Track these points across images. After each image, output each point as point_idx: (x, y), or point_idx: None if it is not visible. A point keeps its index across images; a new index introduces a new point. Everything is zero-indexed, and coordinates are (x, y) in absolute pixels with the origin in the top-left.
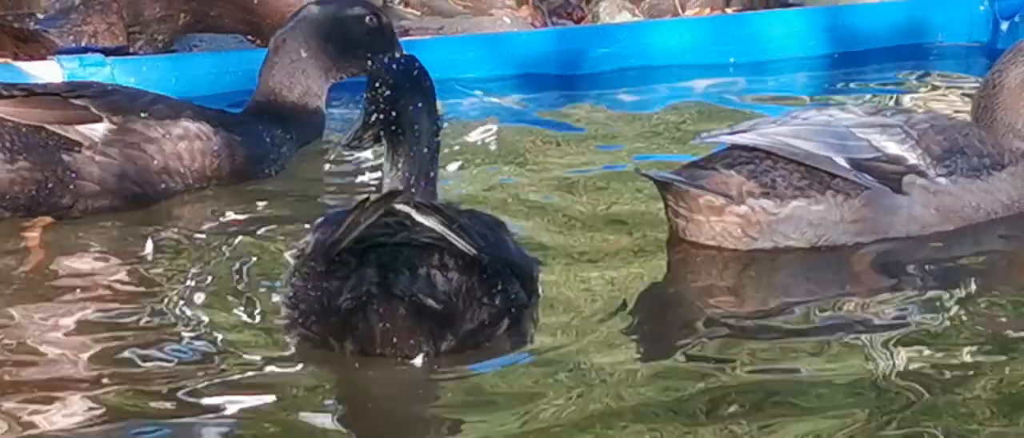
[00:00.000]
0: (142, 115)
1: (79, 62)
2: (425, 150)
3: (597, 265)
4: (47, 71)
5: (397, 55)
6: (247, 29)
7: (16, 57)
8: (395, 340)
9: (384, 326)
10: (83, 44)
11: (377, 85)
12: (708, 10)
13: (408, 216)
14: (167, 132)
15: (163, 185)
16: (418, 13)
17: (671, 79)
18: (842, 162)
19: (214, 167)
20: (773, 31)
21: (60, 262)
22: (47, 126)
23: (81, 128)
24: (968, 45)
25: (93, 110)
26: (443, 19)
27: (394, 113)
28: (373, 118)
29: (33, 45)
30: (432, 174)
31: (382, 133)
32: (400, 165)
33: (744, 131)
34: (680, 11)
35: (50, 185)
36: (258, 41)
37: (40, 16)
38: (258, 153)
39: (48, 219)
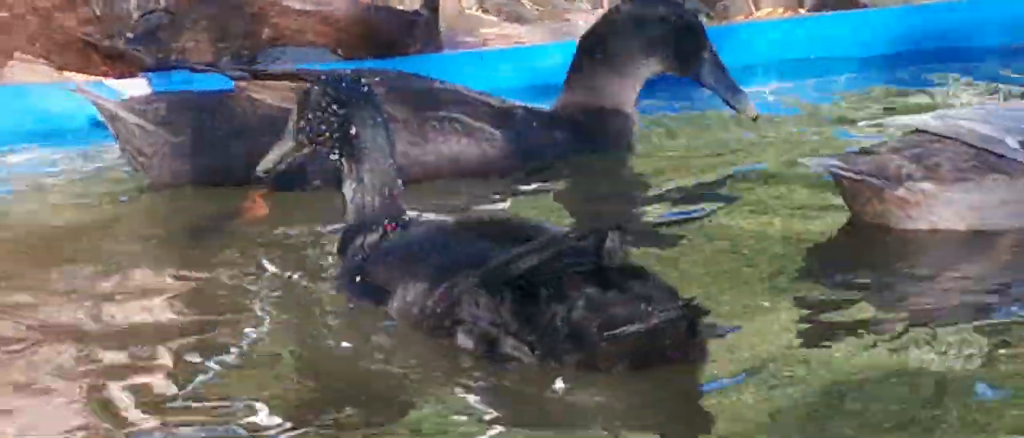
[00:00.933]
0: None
1: (168, 79)
2: (388, 161)
3: (770, 231)
4: (136, 88)
5: (342, 74)
6: (329, 42)
7: (106, 75)
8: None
9: (674, 343)
10: (172, 60)
11: (325, 105)
12: (780, 10)
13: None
14: (435, 127)
15: (418, 175)
16: (496, 19)
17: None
18: (1012, 143)
19: (473, 162)
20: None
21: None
22: None
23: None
24: None
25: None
26: (521, 26)
27: (352, 130)
28: (323, 138)
29: (122, 63)
30: (398, 183)
31: (338, 151)
32: (365, 179)
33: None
34: (753, 11)
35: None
36: (340, 53)
37: (129, 35)
38: (517, 151)
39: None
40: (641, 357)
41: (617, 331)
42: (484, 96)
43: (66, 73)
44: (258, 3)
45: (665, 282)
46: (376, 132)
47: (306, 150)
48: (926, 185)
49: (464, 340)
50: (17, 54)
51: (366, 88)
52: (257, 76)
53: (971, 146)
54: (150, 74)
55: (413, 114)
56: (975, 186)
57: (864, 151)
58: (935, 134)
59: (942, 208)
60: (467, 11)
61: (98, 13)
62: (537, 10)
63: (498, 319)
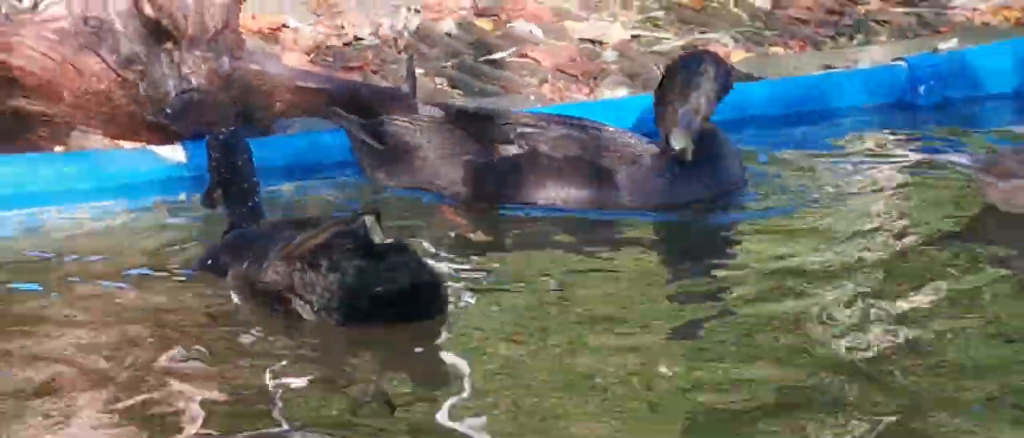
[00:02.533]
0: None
1: (197, 147)
2: (247, 184)
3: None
4: (173, 154)
5: (225, 129)
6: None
7: (149, 142)
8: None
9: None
10: (201, 130)
11: (215, 152)
12: None
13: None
14: (564, 168)
15: (537, 201)
16: (463, 93)
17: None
18: None
19: (606, 200)
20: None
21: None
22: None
23: (499, 147)
24: (890, 104)
25: (512, 135)
26: (485, 99)
27: (229, 168)
28: (217, 176)
29: (162, 133)
30: (256, 197)
31: (220, 183)
32: (235, 202)
33: None
34: None
35: (477, 183)
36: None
37: (168, 110)
38: (642, 191)
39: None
40: (397, 312)
41: (377, 290)
42: (630, 139)
43: (117, 141)
44: (272, 83)
45: (418, 254)
46: (238, 167)
47: (220, 186)
48: (1021, 181)
49: (265, 301)
50: (79, 126)
51: (227, 136)
52: (461, 114)
53: None
54: (185, 142)
55: (567, 157)
56: None
57: (991, 151)
58: None
59: None
60: (438, 87)
61: (144, 94)
62: (497, 86)
63: (289, 284)
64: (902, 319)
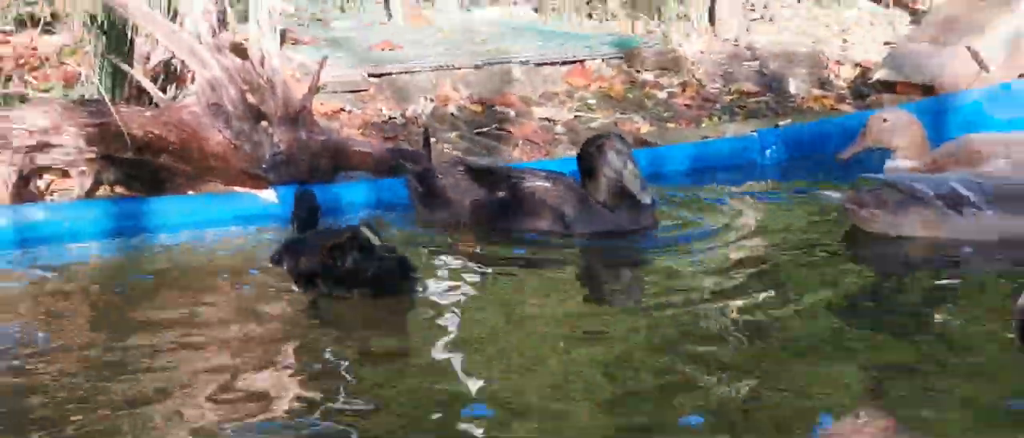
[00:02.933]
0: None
1: (284, 190)
2: (314, 218)
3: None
4: (268, 195)
5: (304, 187)
6: (371, 169)
7: (250, 189)
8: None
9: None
10: (285, 179)
11: (300, 202)
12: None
13: (367, 237)
14: (520, 185)
15: (527, 226)
16: (463, 155)
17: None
18: (931, 194)
19: (557, 230)
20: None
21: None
22: (481, 183)
23: (495, 191)
24: (746, 163)
25: (504, 183)
26: (483, 159)
27: (304, 210)
28: (296, 213)
29: (258, 181)
30: (318, 215)
31: (296, 217)
32: (303, 224)
33: (886, 176)
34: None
35: (487, 210)
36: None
37: (264, 167)
38: (585, 223)
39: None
40: (375, 287)
41: (368, 273)
42: (580, 189)
43: (229, 187)
44: (336, 145)
45: (400, 252)
46: (308, 210)
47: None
48: (877, 210)
49: (298, 281)
50: (205, 177)
51: (303, 192)
52: (471, 168)
53: (904, 192)
54: (275, 187)
55: (539, 198)
56: (904, 213)
57: (856, 189)
58: (890, 185)
59: (885, 224)
60: (446, 151)
61: (247, 152)
62: (485, 150)
63: (314, 269)
64: (783, 323)
